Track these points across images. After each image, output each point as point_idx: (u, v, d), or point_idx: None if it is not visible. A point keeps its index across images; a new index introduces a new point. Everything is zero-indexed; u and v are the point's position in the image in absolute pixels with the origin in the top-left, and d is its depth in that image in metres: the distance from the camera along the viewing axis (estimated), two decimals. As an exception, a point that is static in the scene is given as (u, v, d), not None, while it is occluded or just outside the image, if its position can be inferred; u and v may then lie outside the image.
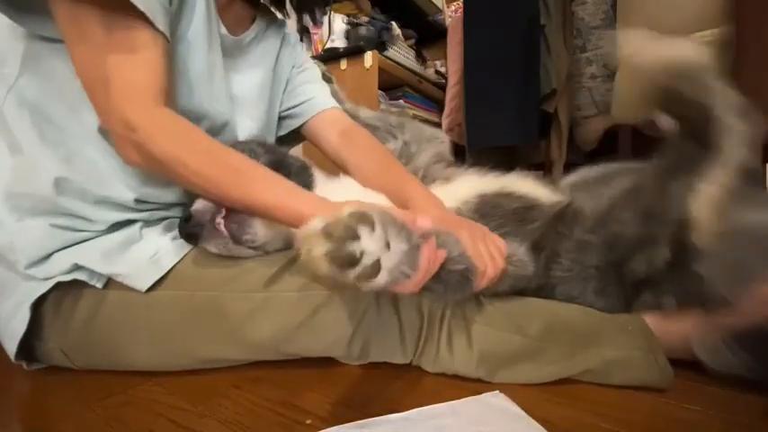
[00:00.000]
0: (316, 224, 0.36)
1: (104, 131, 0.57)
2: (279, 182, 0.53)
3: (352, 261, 0.35)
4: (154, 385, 0.54)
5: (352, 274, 0.35)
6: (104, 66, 0.50)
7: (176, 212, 0.63)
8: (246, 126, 0.72)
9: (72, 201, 0.56)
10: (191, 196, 0.60)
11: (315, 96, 0.83)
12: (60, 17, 0.51)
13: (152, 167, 0.52)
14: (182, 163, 0.50)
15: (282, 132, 0.85)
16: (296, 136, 0.87)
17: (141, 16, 0.50)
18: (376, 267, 0.37)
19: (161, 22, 0.52)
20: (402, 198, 0.67)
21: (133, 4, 0.49)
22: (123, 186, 0.58)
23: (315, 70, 0.88)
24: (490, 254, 0.55)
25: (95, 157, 0.57)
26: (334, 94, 0.88)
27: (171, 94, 0.56)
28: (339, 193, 0.57)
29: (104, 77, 0.50)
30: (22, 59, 0.56)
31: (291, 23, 0.85)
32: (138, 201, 0.58)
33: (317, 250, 0.34)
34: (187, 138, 0.52)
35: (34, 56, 0.56)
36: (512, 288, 0.60)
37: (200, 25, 0.61)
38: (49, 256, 0.55)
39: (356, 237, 0.36)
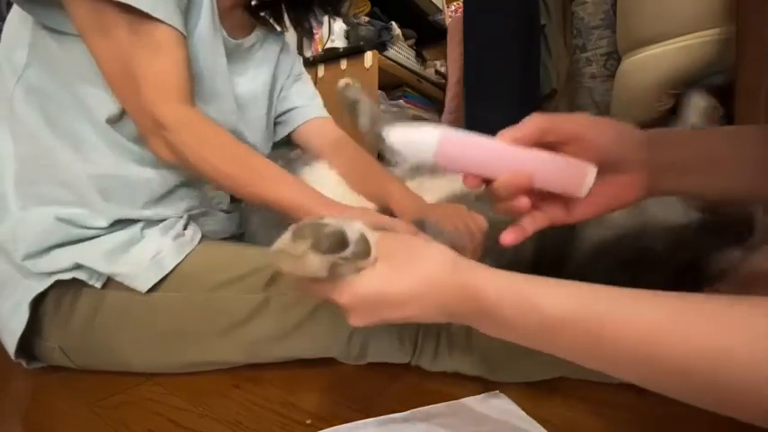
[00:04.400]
0: (284, 235, 0.34)
1: (112, 121, 0.58)
2: (292, 181, 0.56)
3: (341, 240, 0.33)
4: (154, 385, 0.54)
5: (348, 251, 0.33)
6: (131, 63, 0.52)
7: (176, 212, 0.63)
8: (245, 129, 0.72)
9: (79, 185, 0.57)
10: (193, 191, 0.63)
11: (304, 105, 0.85)
12: (79, 12, 0.51)
13: (180, 163, 0.56)
14: (206, 160, 0.54)
15: (276, 138, 0.86)
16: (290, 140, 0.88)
17: (162, 22, 0.52)
18: (365, 241, 0.34)
19: (179, 24, 0.54)
20: (382, 196, 0.69)
21: (149, 14, 0.50)
22: (130, 165, 0.59)
23: (309, 82, 0.90)
24: (469, 229, 0.58)
25: (102, 145, 0.58)
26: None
27: (193, 92, 0.58)
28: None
29: (132, 74, 0.52)
30: (30, 48, 0.56)
31: (291, 29, 0.87)
32: (143, 184, 0.59)
33: (299, 249, 0.32)
34: (212, 137, 0.55)
35: (41, 45, 0.56)
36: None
37: (205, 25, 0.62)
38: (48, 250, 0.55)
39: (327, 223, 0.34)
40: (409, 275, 0.33)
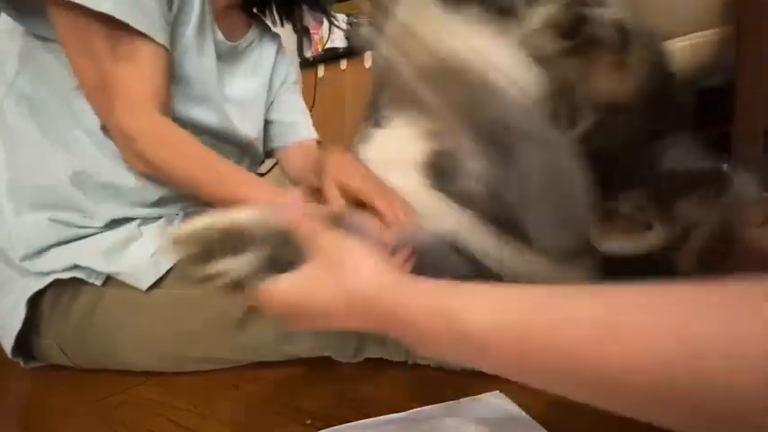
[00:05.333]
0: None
1: (105, 129, 0.58)
2: (260, 184, 0.57)
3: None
4: (154, 385, 0.54)
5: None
6: (107, 77, 0.53)
7: (172, 210, 0.63)
8: (246, 129, 0.72)
9: (73, 191, 0.57)
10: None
11: (297, 122, 0.84)
12: (60, 27, 0.52)
13: (151, 172, 0.56)
14: (173, 167, 0.55)
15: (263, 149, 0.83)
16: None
17: (143, 35, 0.52)
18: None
19: (162, 37, 0.54)
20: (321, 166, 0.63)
21: (131, 25, 0.50)
22: (124, 171, 0.59)
23: (300, 95, 0.89)
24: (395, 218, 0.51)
25: (93, 149, 0.58)
26: None
27: (168, 102, 0.58)
28: None
29: (108, 88, 0.53)
30: (20, 57, 0.57)
31: (290, 28, 0.87)
32: (137, 189, 0.60)
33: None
34: (178, 143, 0.56)
35: (31, 53, 0.57)
36: None
37: (192, 31, 0.62)
38: (45, 250, 0.56)
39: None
40: (331, 286, 0.31)
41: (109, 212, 0.58)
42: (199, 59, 0.64)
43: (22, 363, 0.59)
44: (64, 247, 0.56)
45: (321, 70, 1.76)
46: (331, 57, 1.73)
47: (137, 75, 0.53)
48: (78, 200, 0.57)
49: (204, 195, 0.56)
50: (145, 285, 0.54)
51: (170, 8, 0.58)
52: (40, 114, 0.57)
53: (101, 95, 0.54)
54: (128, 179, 0.59)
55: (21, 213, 0.57)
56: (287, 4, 0.81)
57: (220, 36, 0.69)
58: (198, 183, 0.55)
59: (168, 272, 0.55)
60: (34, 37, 0.56)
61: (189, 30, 0.62)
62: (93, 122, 0.58)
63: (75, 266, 0.55)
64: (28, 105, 0.57)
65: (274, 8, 0.81)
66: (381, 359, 0.57)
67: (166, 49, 0.56)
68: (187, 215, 0.65)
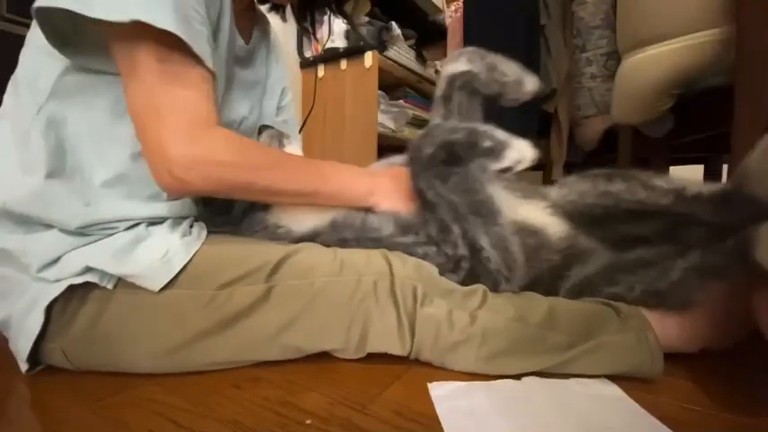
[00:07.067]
0: None
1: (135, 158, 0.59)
2: (332, 164, 0.65)
3: None
4: (154, 385, 0.54)
5: None
6: (158, 99, 0.52)
7: (181, 213, 0.63)
8: (267, 119, 0.79)
9: (82, 223, 0.57)
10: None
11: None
12: (118, 55, 0.53)
13: (210, 185, 0.56)
14: (242, 169, 0.56)
15: None
16: None
17: (195, 58, 0.53)
18: None
19: (210, 62, 0.55)
20: None
21: (189, 45, 0.51)
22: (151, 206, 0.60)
23: (293, 112, 0.92)
24: None
25: (113, 196, 0.58)
26: None
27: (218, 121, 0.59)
28: None
29: (156, 111, 0.52)
30: (57, 78, 0.56)
31: (290, 29, 0.88)
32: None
33: None
34: (242, 148, 0.58)
35: (70, 81, 0.57)
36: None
37: (223, 49, 0.63)
38: (59, 258, 0.55)
39: None
40: None
41: (121, 226, 0.58)
42: (226, 75, 0.66)
43: (24, 370, 0.57)
44: (75, 252, 0.56)
45: (321, 70, 1.76)
46: (331, 57, 1.72)
47: (192, 94, 0.54)
48: (90, 230, 0.57)
49: (287, 192, 0.60)
50: (157, 286, 0.53)
51: (211, 34, 0.59)
52: (66, 153, 0.57)
53: (151, 122, 0.53)
54: (139, 218, 0.59)
55: (31, 232, 0.57)
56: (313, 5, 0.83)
57: (240, 41, 0.69)
58: (278, 180, 0.59)
59: (180, 272, 0.55)
60: (78, 69, 0.56)
61: (220, 48, 0.63)
62: (120, 165, 0.57)
63: (88, 270, 0.54)
64: (56, 138, 0.56)
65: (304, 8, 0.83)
66: (382, 358, 0.58)
67: (214, 75, 0.57)
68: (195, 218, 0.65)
